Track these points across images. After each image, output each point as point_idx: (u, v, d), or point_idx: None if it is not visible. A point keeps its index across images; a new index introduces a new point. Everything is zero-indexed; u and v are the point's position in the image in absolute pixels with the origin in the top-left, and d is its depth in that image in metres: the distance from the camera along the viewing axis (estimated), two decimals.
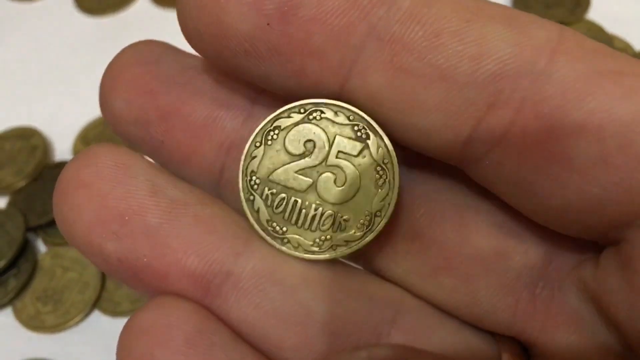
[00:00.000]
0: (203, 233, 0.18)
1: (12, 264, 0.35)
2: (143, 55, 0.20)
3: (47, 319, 0.34)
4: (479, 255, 0.19)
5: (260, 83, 0.18)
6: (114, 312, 0.34)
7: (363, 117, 0.18)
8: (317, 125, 0.18)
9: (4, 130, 0.41)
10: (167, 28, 0.46)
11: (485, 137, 0.16)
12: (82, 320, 0.34)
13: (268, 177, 0.18)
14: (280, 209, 0.19)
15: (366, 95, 0.17)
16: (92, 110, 0.41)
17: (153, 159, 0.21)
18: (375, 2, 0.16)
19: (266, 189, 0.18)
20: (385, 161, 0.18)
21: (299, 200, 0.18)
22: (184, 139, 0.20)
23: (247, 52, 0.16)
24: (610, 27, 0.42)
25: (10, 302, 0.35)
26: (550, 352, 0.19)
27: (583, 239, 0.18)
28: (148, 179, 0.18)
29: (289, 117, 0.18)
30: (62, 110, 0.42)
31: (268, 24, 0.16)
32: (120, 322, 0.34)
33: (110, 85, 0.20)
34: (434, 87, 0.16)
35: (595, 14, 0.43)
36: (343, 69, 0.16)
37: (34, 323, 0.34)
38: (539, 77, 0.15)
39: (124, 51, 0.20)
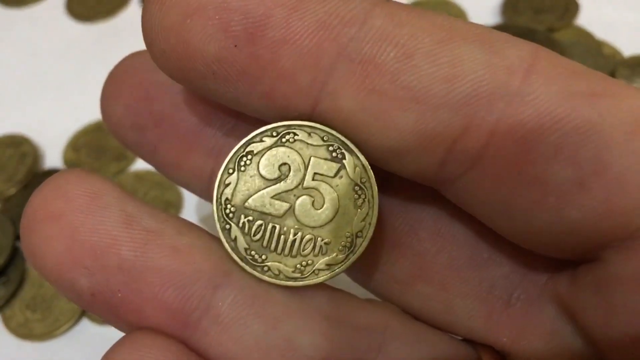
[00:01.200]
0: (180, 265, 0.17)
1: (1, 272, 0.35)
2: (144, 62, 0.20)
3: (35, 327, 0.34)
4: (454, 265, 0.19)
5: (230, 105, 0.17)
6: (102, 321, 0.34)
7: (337, 137, 0.17)
8: (291, 147, 0.18)
9: None
10: None
11: (461, 159, 0.16)
12: (70, 328, 0.34)
13: (243, 204, 0.18)
14: (258, 236, 0.18)
15: (338, 117, 0.16)
16: (82, 117, 0.41)
17: (148, 163, 0.21)
18: (345, 22, 0.15)
19: (242, 216, 0.18)
20: (363, 180, 0.18)
21: (277, 226, 0.18)
22: (176, 145, 0.20)
23: (215, 74, 0.16)
24: (600, 33, 0.42)
25: None
26: None
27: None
28: (121, 208, 0.17)
29: (261, 141, 0.18)
30: (52, 117, 0.42)
31: (235, 46, 0.15)
32: (108, 331, 0.34)
33: (110, 89, 0.20)
34: (407, 109, 0.15)
35: (585, 19, 0.43)
36: (314, 91, 0.16)
37: (22, 331, 0.34)
38: (513, 98, 0.15)
39: (126, 58, 0.20)
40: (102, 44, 0.46)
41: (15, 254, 0.36)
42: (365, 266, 0.20)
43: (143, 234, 0.17)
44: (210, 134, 0.20)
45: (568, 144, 0.15)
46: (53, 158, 0.40)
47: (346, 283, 0.21)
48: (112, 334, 0.34)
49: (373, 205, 0.18)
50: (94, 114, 0.41)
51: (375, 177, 0.18)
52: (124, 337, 0.17)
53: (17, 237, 0.36)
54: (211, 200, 0.20)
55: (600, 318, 0.16)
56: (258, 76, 0.16)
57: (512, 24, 0.43)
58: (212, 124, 0.20)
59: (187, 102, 0.19)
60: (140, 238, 0.17)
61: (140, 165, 0.40)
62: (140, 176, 0.39)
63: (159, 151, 0.20)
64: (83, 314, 0.34)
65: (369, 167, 0.18)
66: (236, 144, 0.18)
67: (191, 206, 0.37)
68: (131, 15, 0.47)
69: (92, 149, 0.40)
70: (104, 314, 0.17)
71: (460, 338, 0.21)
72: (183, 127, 0.20)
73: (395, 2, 0.16)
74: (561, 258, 0.18)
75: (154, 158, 0.20)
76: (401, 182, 0.19)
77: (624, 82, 0.16)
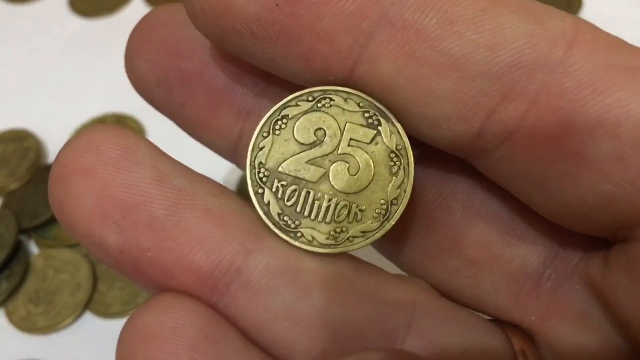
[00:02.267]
0: (212, 227, 0.17)
1: (4, 266, 0.35)
2: (171, 17, 0.19)
3: (38, 320, 0.34)
4: (485, 241, 0.19)
5: (267, 67, 0.17)
6: (105, 314, 0.34)
7: (373, 104, 0.17)
8: (327, 113, 0.17)
9: None
10: None
11: (498, 130, 0.16)
12: (73, 321, 0.34)
13: (277, 168, 0.18)
14: (292, 201, 0.18)
15: (376, 82, 0.16)
16: (85, 112, 0.42)
17: (174, 121, 0.21)
18: None
19: (276, 180, 0.18)
20: (399, 147, 0.17)
21: (312, 192, 0.18)
22: (204, 103, 0.19)
23: (254, 34, 0.16)
24: (602, 28, 0.42)
25: (2, 304, 0.35)
26: (551, 343, 0.19)
27: (592, 235, 0.18)
28: (153, 165, 0.16)
29: (297, 105, 0.18)
30: (55, 112, 0.42)
31: (277, 5, 0.15)
32: (111, 324, 0.34)
33: (136, 44, 0.19)
34: (446, 76, 0.15)
35: (588, 15, 0.43)
36: (353, 54, 0.16)
37: (25, 324, 0.34)
38: (554, 69, 0.15)
39: (152, 12, 0.20)
40: (105, 40, 0.46)
41: (18, 248, 0.36)
42: (396, 237, 0.20)
43: (175, 193, 0.16)
44: (240, 94, 0.19)
45: (608, 117, 0.15)
46: (56, 153, 0.40)
47: (374, 260, 0.21)
48: (115, 328, 0.34)
49: (409, 173, 0.17)
50: (97, 109, 0.42)
51: (410, 145, 0.18)
52: (151, 298, 0.17)
53: (20, 231, 0.36)
54: (236, 163, 0.20)
55: (632, 299, 0.16)
56: (297, 37, 0.16)
57: None
58: (243, 84, 0.19)
59: (217, 60, 0.19)
60: (172, 197, 0.16)
61: None
62: None
63: (186, 109, 0.19)
64: (86, 307, 0.34)
65: (405, 135, 0.17)
66: (267, 106, 0.18)
67: None
68: (134, 11, 0.47)
69: None
70: (132, 273, 0.17)
71: (488, 318, 0.21)
72: (212, 85, 0.19)
73: None
74: (594, 235, 0.17)
75: (180, 116, 0.20)
76: (435, 153, 0.19)
77: None
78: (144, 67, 0.19)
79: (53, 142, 0.41)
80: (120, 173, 0.16)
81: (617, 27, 0.42)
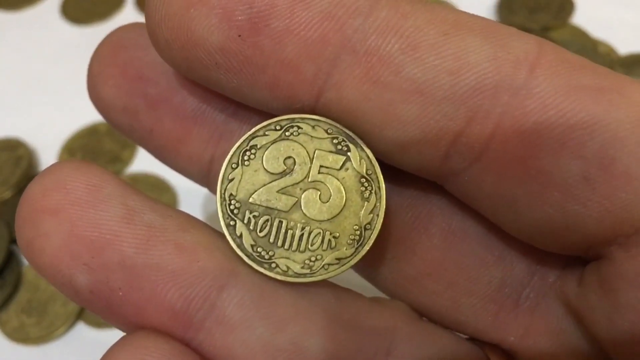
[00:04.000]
0: (184, 263, 0.16)
1: None
2: (134, 38, 0.19)
3: (31, 330, 0.34)
4: (463, 263, 0.19)
5: (233, 95, 0.17)
6: (97, 324, 0.34)
7: (342, 130, 0.17)
8: (296, 141, 0.17)
9: None
10: None
11: (464, 152, 0.16)
12: (66, 331, 0.34)
13: (248, 199, 0.17)
14: (265, 232, 0.17)
15: (342, 109, 0.16)
16: (77, 121, 0.41)
17: (142, 147, 0.20)
18: (350, 13, 0.15)
19: (247, 212, 0.17)
20: (369, 172, 0.17)
21: (284, 221, 0.17)
22: (174, 128, 0.19)
23: (218, 65, 0.16)
24: (595, 32, 0.42)
25: None
26: None
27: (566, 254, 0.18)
28: (122, 202, 0.16)
29: (265, 135, 0.18)
30: (47, 120, 0.42)
31: (239, 36, 0.15)
32: (104, 334, 0.34)
33: (98, 69, 0.19)
34: (411, 101, 0.15)
35: (580, 18, 0.43)
36: (318, 82, 0.16)
37: (18, 335, 0.34)
38: (518, 91, 0.15)
39: (112, 34, 0.19)
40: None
41: (10, 258, 0.36)
42: (373, 261, 0.20)
43: (145, 230, 0.16)
44: (210, 119, 0.19)
45: (573, 138, 0.15)
46: (48, 161, 0.40)
47: (352, 284, 0.21)
48: (108, 338, 0.34)
49: (380, 197, 0.17)
50: (89, 117, 0.41)
51: (382, 170, 0.18)
52: (124, 337, 0.16)
53: (13, 241, 0.36)
54: (208, 188, 0.20)
55: (605, 317, 0.16)
56: (262, 66, 0.16)
57: (507, 23, 0.43)
58: (213, 108, 0.19)
59: (185, 84, 0.19)
60: (142, 234, 0.16)
61: (135, 167, 0.39)
62: (135, 179, 0.39)
63: (155, 135, 0.19)
64: (78, 317, 0.34)
65: (375, 159, 0.17)
66: (238, 130, 0.18)
67: (187, 208, 0.37)
68: (126, 18, 0.47)
69: (87, 152, 0.40)
70: (103, 312, 0.17)
71: (467, 337, 0.21)
72: (181, 110, 0.19)
73: None
74: (565, 254, 0.17)
75: (149, 142, 0.19)
76: (410, 176, 0.19)
77: (629, 78, 0.16)
78: (109, 94, 0.19)
79: (45, 151, 0.41)
80: (89, 212, 0.16)
81: (609, 29, 0.43)
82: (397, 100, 0.15)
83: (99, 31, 0.47)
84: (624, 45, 0.41)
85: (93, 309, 0.16)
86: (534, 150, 0.15)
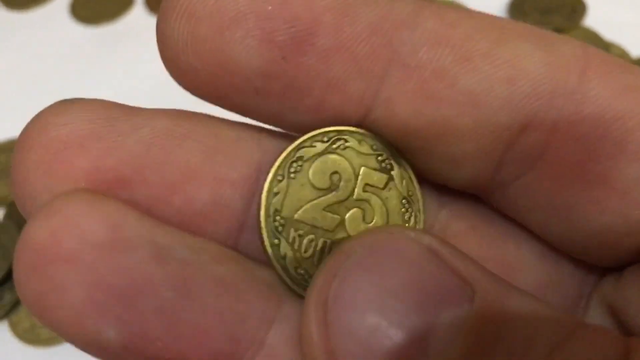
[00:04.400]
0: (228, 301, 0.14)
1: (7, 277, 0.35)
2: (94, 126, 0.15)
3: (42, 332, 0.34)
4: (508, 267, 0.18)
5: (270, 122, 0.16)
6: None
7: (386, 146, 0.16)
8: (342, 155, 0.16)
9: None
10: None
11: (518, 160, 0.15)
12: None
13: (294, 216, 0.16)
14: (309, 252, 0.16)
15: (392, 125, 0.15)
16: None
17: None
18: (397, 25, 0.14)
19: (292, 230, 0.16)
20: (410, 193, 0.17)
21: (329, 241, 0.16)
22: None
23: (258, 90, 0.15)
24: (607, 34, 0.42)
25: (6, 315, 0.34)
26: None
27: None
28: (149, 239, 0.14)
29: (311, 146, 0.16)
30: None
31: (283, 58, 0.14)
32: None
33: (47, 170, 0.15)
34: (466, 114, 0.15)
35: (592, 20, 0.43)
36: (366, 99, 0.15)
37: (29, 336, 0.34)
38: (573, 96, 0.15)
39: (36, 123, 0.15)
40: (107, 48, 0.46)
41: None
42: None
43: (180, 268, 0.14)
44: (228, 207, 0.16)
45: (632, 140, 0.14)
46: None
47: None
48: None
49: (420, 220, 0.17)
50: None
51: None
52: None
53: None
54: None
55: None
56: (307, 88, 0.15)
57: None
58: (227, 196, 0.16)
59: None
60: (178, 273, 0.14)
61: None
62: None
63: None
64: None
65: (415, 179, 0.17)
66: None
67: None
68: (136, 19, 0.47)
69: None
70: None
71: None
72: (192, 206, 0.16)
73: (439, 3, 0.15)
74: (618, 265, 0.17)
75: None
76: (448, 193, 0.18)
77: None
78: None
79: None
80: (113, 256, 0.13)
81: (622, 32, 0.43)
82: (451, 114, 0.15)
83: (108, 31, 0.47)
84: (637, 47, 0.41)
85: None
86: (592, 155, 0.15)
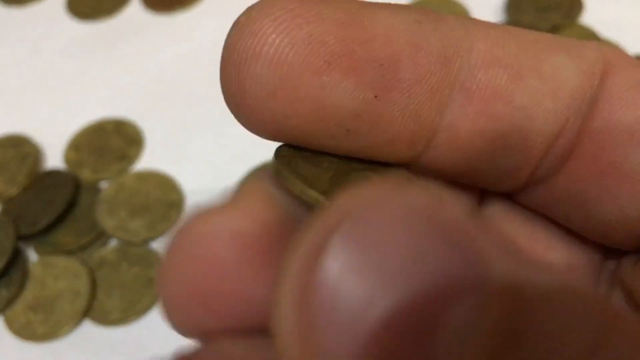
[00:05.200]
0: None
1: (3, 273, 0.35)
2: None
3: (38, 328, 0.34)
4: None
5: (345, 153, 0.16)
6: (104, 321, 0.34)
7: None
8: None
9: None
10: (160, 33, 0.46)
11: (547, 165, 0.16)
12: (72, 329, 0.34)
13: None
14: None
15: (453, 148, 0.16)
16: (83, 117, 0.41)
17: None
18: (457, 51, 0.15)
19: None
20: None
21: None
22: None
23: (350, 131, 0.14)
24: (604, 31, 0.42)
25: (1, 311, 0.34)
26: None
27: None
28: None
29: None
30: (53, 117, 0.42)
31: (375, 97, 0.14)
32: (110, 331, 0.34)
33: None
34: (519, 130, 0.15)
35: (589, 18, 0.43)
36: (433, 125, 0.15)
37: (25, 332, 0.34)
38: (600, 97, 0.15)
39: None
40: (104, 43, 0.46)
41: (16, 255, 0.36)
42: None
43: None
44: None
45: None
46: (54, 158, 0.40)
47: None
48: (115, 335, 0.34)
49: None
50: (95, 114, 0.41)
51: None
52: None
53: (19, 238, 0.36)
54: None
55: None
56: (390, 123, 0.15)
57: (516, 22, 0.43)
58: None
59: None
60: None
61: (142, 165, 0.39)
62: (142, 177, 0.39)
63: None
64: (85, 315, 0.34)
65: None
66: None
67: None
68: (133, 14, 0.47)
69: (94, 149, 0.40)
70: None
71: None
72: None
73: (479, 20, 0.16)
74: (634, 249, 0.17)
75: None
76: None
77: None
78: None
79: (51, 148, 0.40)
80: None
81: (619, 29, 0.42)
82: (507, 131, 0.15)
83: (105, 27, 0.47)
84: (634, 45, 0.41)
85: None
86: (604, 145, 0.15)
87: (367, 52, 0.14)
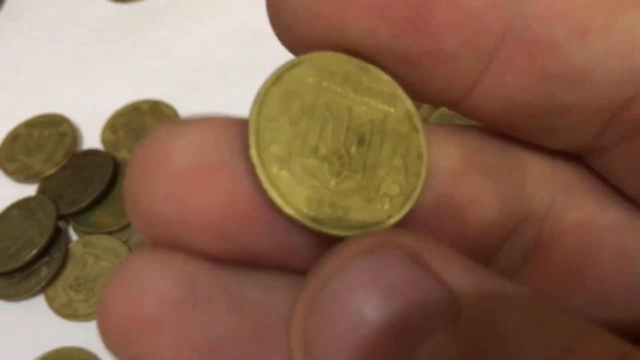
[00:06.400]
0: None
1: (44, 252, 0.35)
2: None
3: (79, 307, 0.34)
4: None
5: None
6: None
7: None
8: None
9: (32, 117, 0.41)
10: (195, 14, 0.45)
11: (619, 130, 0.15)
12: None
13: None
14: None
15: (498, 99, 0.15)
16: (119, 98, 0.41)
17: None
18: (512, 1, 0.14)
19: None
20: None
21: None
22: None
23: (372, 63, 0.15)
24: None
25: (42, 290, 0.35)
26: None
27: None
28: (223, 293, 0.14)
29: None
30: (89, 97, 0.42)
31: (396, 36, 0.14)
32: None
33: None
34: (576, 89, 0.14)
35: None
36: (474, 73, 0.15)
37: (66, 311, 0.34)
38: None
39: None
40: (138, 24, 0.45)
41: (57, 234, 0.36)
42: None
43: (255, 313, 0.14)
44: None
45: None
46: (91, 139, 0.40)
47: None
48: None
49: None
50: (131, 95, 0.41)
51: None
52: None
53: (59, 217, 0.36)
54: None
55: None
56: (418, 62, 0.14)
57: None
58: None
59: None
60: (255, 319, 0.14)
61: None
62: None
63: None
64: None
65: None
66: None
67: None
68: None
69: (130, 130, 0.40)
70: None
71: None
72: None
73: None
74: None
75: None
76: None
77: None
78: None
79: (88, 128, 0.40)
80: (194, 313, 0.13)
81: None
82: (561, 89, 0.14)
83: (140, 8, 0.46)
84: None
85: None
86: None
87: None
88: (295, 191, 0.13)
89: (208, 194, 0.13)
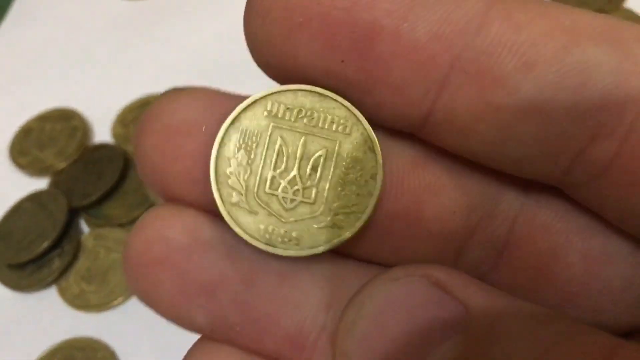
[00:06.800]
0: (291, 290, 0.16)
1: (56, 244, 0.36)
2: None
3: (91, 298, 0.34)
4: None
5: None
6: None
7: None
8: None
9: (45, 111, 0.41)
10: (204, 10, 0.46)
11: (587, 168, 0.15)
12: (126, 300, 0.34)
13: None
14: None
15: (452, 129, 0.15)
16: (130, 93, 0.42)
17: None
18: (459, 30, 0.14)
19: None
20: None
21: None
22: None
23: (324, 87, 0.15)
24: None
25: (54, 281, 0.35)
26: None
27: None
28: (221, 242, 0.16)
29: None
30: (101, 91, 0.42)
31: (342, 61, 0.15)
32: None
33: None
34: (529, 122, 0.14)
35: (634, 2, 0.43)
36: (426, 103, 0.15)
37: (78, 302, 0.34)
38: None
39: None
40: (149, 20, 0.46)
41: (69, 226, 0.36)
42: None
43: (247, 264, 0.16)
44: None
45: None
46: (102, 133, 0.41)
47: None
48: None
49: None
50: (141, 90, 0.42)
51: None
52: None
53: (71, 210, 0.37)
54: None
55: None
56: (367, 89, 0.15)
57: None
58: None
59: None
60: (246, 269, 0.16)
61: None
62: None
63: None
64: None
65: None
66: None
67: None
68: None
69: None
70: (224, 342, 0.17)
71: None
72: None
73: None
74: None
75: None
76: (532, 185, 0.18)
77: None
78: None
79: (99, 122, 0.41)
80: (194, 258, 0.16)
81: None
82: (513, 121, 0.14)
83: (150, 4, 0.47)
84: None
85: (216, 339, 0.17)
86: None
87: (344, 18, 0.14)
88: (251, 222, 0.16)
89: (184, 145, 0.16)
